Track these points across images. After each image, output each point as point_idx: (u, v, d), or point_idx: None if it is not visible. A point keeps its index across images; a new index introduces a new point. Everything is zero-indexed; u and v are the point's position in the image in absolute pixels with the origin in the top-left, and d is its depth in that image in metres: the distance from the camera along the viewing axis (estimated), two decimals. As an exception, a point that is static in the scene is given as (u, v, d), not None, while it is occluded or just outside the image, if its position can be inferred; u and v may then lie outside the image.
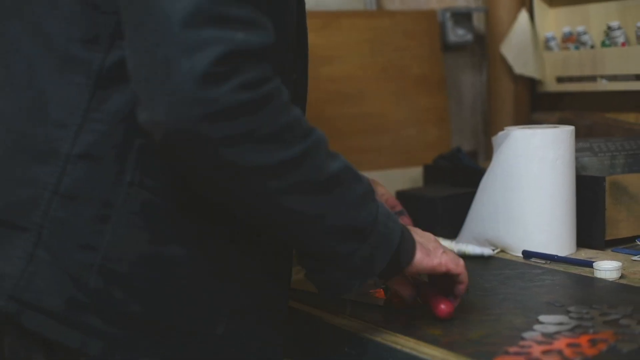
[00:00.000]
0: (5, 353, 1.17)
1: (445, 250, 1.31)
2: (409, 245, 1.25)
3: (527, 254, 1.69)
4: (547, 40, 2.28)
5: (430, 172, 2.12)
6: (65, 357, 1.14)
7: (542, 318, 1.28)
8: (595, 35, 2.18)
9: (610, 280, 1.50)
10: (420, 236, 1.30)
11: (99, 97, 1.13)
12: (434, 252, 1.28)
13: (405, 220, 1.58)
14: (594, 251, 1.72)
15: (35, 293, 1.11)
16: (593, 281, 1.51)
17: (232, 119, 1.03)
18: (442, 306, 1.30)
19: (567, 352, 1.13)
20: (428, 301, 1.33)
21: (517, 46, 2.28)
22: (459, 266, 1.30)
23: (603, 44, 2.13)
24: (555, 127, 1.73)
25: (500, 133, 1.76)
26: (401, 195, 2.03)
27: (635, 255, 1.65)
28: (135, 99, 1.06)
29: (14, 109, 1.16)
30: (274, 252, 1.26)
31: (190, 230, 1.17)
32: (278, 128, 1.07)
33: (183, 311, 1.17)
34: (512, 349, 1.16)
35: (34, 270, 1.12)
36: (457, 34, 2.39)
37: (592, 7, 2.20)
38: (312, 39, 2.07)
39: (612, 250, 1.71)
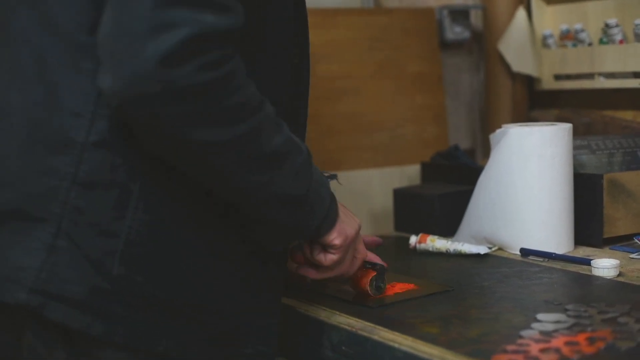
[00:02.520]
0: (23, 352, 1.17)
1: (356, 245, 1.38)
2: (332, 219, 1.31)
3: (524, 252, 1.68)
4: (544, 38, 2.28)
5: (428, 170, 2.11)
6: (87, 348, 1.16)
7: (540, 316, 1.28)
8: (592, 32, 2.17)
9: (608, 278, 1.50)
10: (345, 215, 1.35)
11: None
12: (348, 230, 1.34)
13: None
14: (592, 249, 1.72)
15: (58, 284, 1.13)
16: (591, 279, 1.50)
17: (188, 98, 1.06)
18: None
19: (565, 350, 1.13)
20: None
21: (514, 44, 2.28)
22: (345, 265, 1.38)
23: (601, 42, 2.13)
24: (552, 124, 1.73)
25: (498, 131, 1.75)
26: (398, 193, 2.02)
27: (633, 253, 1.65)
28: (99, 62, 1.08)
29: (27, 100, 1.17)
30: None
31: (193, 213, 1.20)
32: (232, 106, 1.10)
33: (193, 289, 1.20)
34: (510, 347, 1.15)
35: (55, 261, 1.13)
36: (455, 32, 2.38)
37: (590, 5, 2.19)
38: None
39: (610, 248, 1.71)
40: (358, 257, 1.41)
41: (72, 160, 1.14)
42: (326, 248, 1.33)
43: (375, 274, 1.42)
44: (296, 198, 1.23)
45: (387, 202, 2.10)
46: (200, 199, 1.20)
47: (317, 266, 1.38)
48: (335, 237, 1.31)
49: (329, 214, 1.29)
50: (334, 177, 1.45)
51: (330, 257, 1.34)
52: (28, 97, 1.17)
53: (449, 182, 2.02)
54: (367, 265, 1.43)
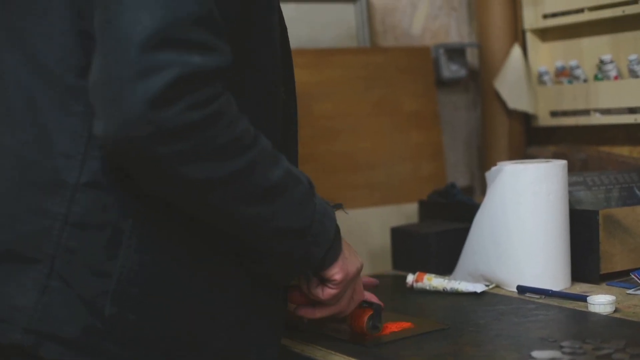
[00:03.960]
0: None
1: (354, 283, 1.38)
2: (336, 252, 1.31)
3: (521, 289, 1.68)
4: (540, 75, 2.29)
5: (425, 208, 2.11)
6: None
7: (535, 354, 1.27)
8: (588, 69, 2.18)
9: (605, 314, 1.49)
10: (349, 252, 1.35)
11: None
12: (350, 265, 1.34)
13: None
14: (589, 285, 1.71)
15: (51, 323, 1.13)
16: (587, 315, 1.50)
17: (181, 138, 1.07)
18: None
19: (559, 388, 1.13)
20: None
21: (510, 81, 2.29)
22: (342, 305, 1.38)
23: (596, 78, 2.14)
24: (547, 161, 1.73)
25: (493, 168, 1.76)
26: (395, 232, 2.02)
27: (630, 289, 1.65)
28: (90, 105, 1.09)
29: (17, 142, 1.18)
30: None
31: (187, 249, 1.20)
32: (226, 142, 1.11)
33: (187, 325, 1.20)
34: (504, 386, 1.15)
35: (49, 301, 1.13)
36: (451, 70, 2.39)
37: (584, 41, 2.20)
38: (305, 76, 2.10)
39: (606, 284, 1.71)
40: (355, 298, 1.40)
41: (64, 201, 1.14)
42: (325, 282, 1.33)
43: (372, 312, 1.42)
44: (299, 230, 1.23)
45: (384, 240, 2.10)
46: (194, 237, 1.20)
47: (315, 305, 1.37)
48: (336, 272, 1.31)
49: (333, 246, 1.29)
50: (339, 206, 1.45)
51: (328, 292, 1.34)
52: (19, 138, 1.18)
53: (447, 220, 2.02)
54: (364, 304, 1.43)
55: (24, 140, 1.17)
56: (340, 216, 1.36)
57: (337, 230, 1.30)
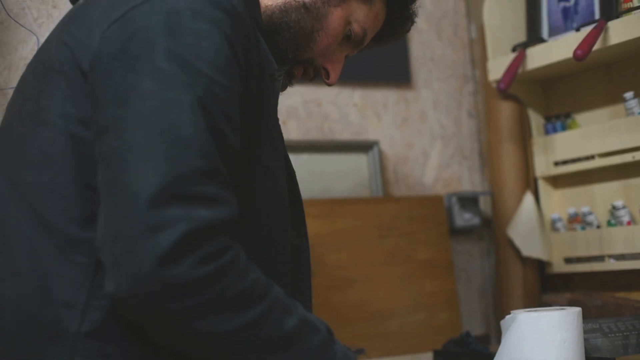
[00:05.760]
0: None
1: None
2: None
3: None
4: (553, 222, 2.29)
5: (440, 358, 2.08)
6: None
7: None
8: (600, 215, 2.19)
9: None
10: None
11: (103, 273, 1.14)
12: None
13: None
14: None
15: None
16: None
17: (192, 293, 1.07)
18: None
19: None
20: None
21: (523, 228, 2.29)
22: None
23: (609, 224, 2.14)
24: (562, 309, 1.71)
25: (508, 317, 1.74)
26: (411, 382, 1.99)
27: None
28: (91, 255, 1.12)
29: (18, 292, 1.18)
30: None
31: None
32: (237, 294, 1.11)
33: None
34: None
35: None
36: (464, 218, 2.40)
37: (596, 188, 2.22)
38: (319, 226, 2.11)
39: None
40: None
41: (65, 350, 1.14)
42: None
43: None
44: None
45: (400, 391, 2.07)
46: None
47: None
48: None
49: None
50: (361, 351, 1.43)
51: None
52: (20, 289, 1.18)
53: (463, 369, 1.99)
54: None
55: (25, 290, 1.18)
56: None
57: None
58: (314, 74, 1.45)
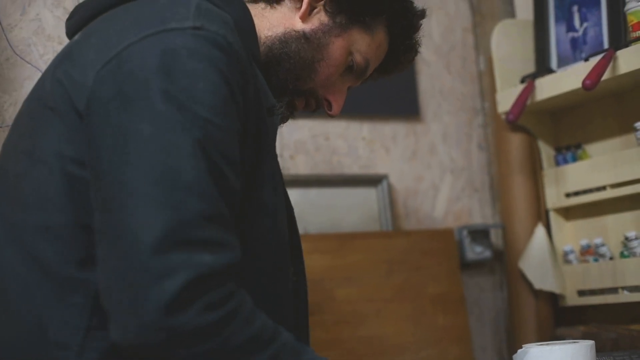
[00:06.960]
0: None
1: None
2: None
3: None
4: (565, 254, 2.27)
5: (454, 393, 2.06)
6: None
7: None
8: (613, 246, 2.16)
9: None
10: None
11: (99, 315, 1.13)
12: None
13: None
14: None
15: None
16: None
17: (198, 340, 1.05)
18: None
19: None
20: None
21: (535, 261, 2.26)
22: None
23: (622, 255, 2.11)
24: (574, 342, 1.69)
25: (520, 351, 1.71)
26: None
27: None
28: (99, 309, 1.10)
29: (14, 333, 1.17)
30: None
31: None
32: (244, 340, 1.09)
33: None
34: None
35: None
36: (475, 252, 2.38)
37: (608, 219, 2.19)
38: (328, 261, 2.09)
39: None
40: None
41: None
42: None
43: None
44: None
45: None
46: None
47: None
48: None
49: None
50: None
51: None
52: (17, 329, 1.17)
53: (476, 405, 1.96)
54: None
55: (19, 333, 1.16)
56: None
57: None
58: (316, 106, 1.44)
